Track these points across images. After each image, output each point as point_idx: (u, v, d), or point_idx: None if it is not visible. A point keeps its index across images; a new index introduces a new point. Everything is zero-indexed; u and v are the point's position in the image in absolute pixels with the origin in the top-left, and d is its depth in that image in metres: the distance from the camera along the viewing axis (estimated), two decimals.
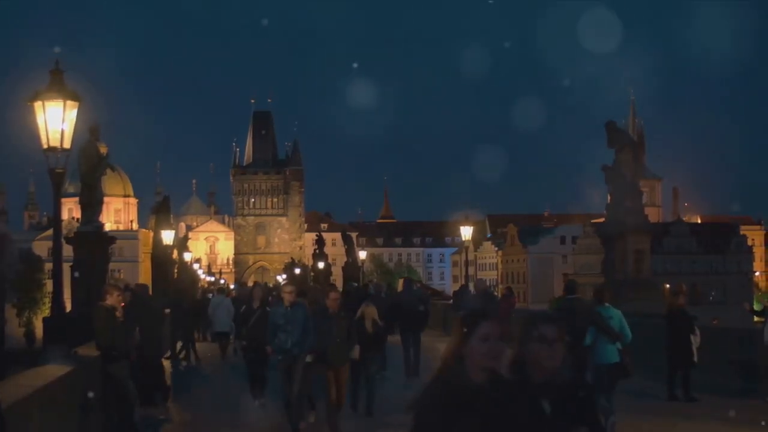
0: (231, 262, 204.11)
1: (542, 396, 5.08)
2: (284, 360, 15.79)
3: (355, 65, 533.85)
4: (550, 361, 5.14)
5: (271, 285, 63.68)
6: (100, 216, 29.63)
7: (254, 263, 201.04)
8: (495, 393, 4.86)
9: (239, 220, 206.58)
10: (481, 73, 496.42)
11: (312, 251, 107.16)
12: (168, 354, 26.25)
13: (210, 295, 49.57)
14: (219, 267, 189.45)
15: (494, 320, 4.97)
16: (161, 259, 42.71)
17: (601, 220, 36.29)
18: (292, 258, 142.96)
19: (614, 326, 15.90)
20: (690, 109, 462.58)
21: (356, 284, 50.31)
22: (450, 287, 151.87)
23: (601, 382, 15.26)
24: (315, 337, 15.48)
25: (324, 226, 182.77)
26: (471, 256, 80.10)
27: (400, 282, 46.61)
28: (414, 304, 25.97)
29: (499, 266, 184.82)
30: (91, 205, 28.67)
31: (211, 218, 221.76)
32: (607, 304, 16.50)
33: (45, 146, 13.73)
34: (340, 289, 34.08)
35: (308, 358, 15.55)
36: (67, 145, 13.87)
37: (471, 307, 12.53)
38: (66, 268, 17.75)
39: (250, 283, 73.63)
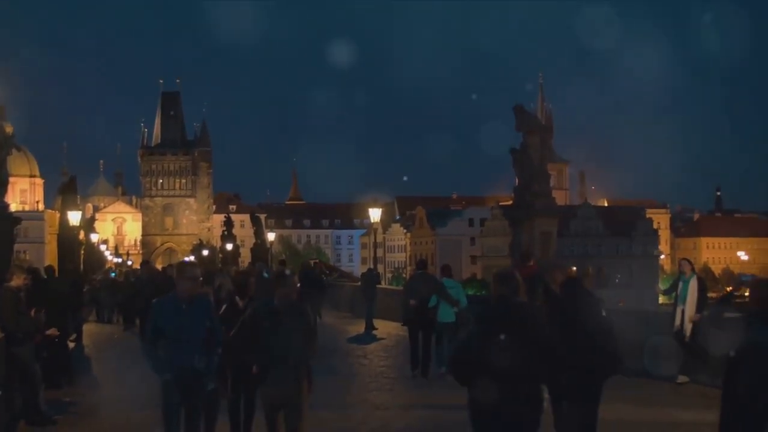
0: (138, 243, 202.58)
1: None
2: (177, 385, 10.21)
3: (261, 46, 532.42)
4: None
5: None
6: (5, 196, 29.25)
7: (162, 244, 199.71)
8: None
9: (147, 201, 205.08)
10: (389, 55, 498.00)
11: (220, 233, 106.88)
12: (73, 336, 25.96)
13: (112, 275, 49.42)
14: (126, 248, 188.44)
15: None
16: (68, 240, 42.28)
17: (509, 202, 36.48)
18: (200, 239, 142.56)
19: (454, 295, 20.50)
20: (594, 94, 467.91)
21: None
22: (359, 269, 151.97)
23: (440, 335, 20.61)
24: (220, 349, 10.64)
25: (232, 207, 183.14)
26: (380, 238, 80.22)
27: (311, 264, 46.54)
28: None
29: (408, 248, 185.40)
30: None
31: (118, 199, 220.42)
32: (449, 278, 21.48)
33: None
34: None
35: (211, 384, 10.67)
36: None
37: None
38: None
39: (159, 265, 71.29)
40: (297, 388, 10.45)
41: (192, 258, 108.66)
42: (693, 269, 19.32)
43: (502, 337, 7.96)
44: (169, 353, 10.20)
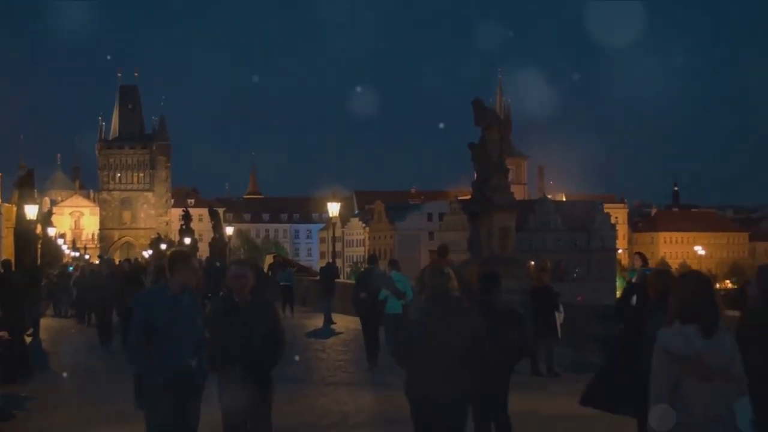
0: (96, 237, 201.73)
1: None
2: (171, 389, 8.77)
3: (221, 40, 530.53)
4: None
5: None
6: None
7: (120, 239, 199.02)
8: None
9: (104, 195, 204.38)
10: (347, 49, 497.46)
11: (178, 227, 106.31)
12: (30, 330, 25.79)
13: (70, 269, 49.04)
14: (84, 242, 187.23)
15: None
16: (24, 234, 41.95)
17: (468, 197, 36.46)
18: (158, 234, 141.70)
19: (400, 288, 20.97)
20: (554, 88, 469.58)
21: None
22: (317, 263, 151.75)
23: (388, 327, 20.90)
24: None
25: (191, 201, 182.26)
26: (338, 233, 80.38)
27: (268, 259, 46.36)
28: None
29: (367, 242, 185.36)
30: None
31: (76, 193, 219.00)
32: (397, 271, 21.86)
33: None
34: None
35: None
36: None
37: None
38: None
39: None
40: (262, 394, 9.46)
41: (150, 252, 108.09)
42: (644, 263, 19.43)
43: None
44: (161, 353, 8.78)
